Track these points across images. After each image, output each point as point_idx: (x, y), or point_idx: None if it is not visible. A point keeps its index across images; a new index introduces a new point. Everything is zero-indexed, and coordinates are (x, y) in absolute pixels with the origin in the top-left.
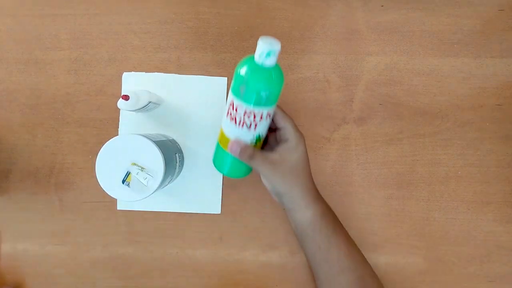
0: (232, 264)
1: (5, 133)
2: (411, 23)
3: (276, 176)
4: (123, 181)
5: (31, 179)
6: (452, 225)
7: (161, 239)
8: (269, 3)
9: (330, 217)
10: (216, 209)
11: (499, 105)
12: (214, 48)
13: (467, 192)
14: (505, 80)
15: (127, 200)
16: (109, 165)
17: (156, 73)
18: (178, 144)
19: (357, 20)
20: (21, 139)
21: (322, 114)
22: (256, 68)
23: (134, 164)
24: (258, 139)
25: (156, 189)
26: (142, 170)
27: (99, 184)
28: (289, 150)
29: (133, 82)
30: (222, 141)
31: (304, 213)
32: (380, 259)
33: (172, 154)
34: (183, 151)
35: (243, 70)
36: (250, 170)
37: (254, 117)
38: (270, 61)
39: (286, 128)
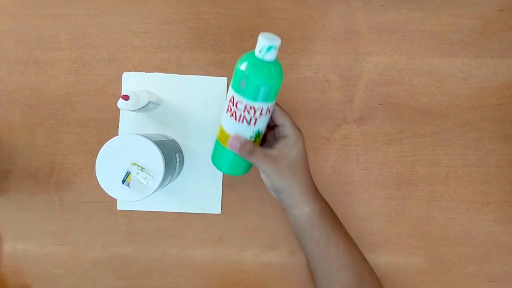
0: (232, 264)
1: (5, 133)
2: (411, 23)
3: (275, 172)
4: (123, 181)
5: (31, 179)
6: (452, 225)
7: (161, 239)
8: (269, 3)
9: (329, 214)
10: (216, 209)
11: (499, 105)
12: (214, 48)
13: (467, 192)
14: (505, 80)
15: (127, 200)
16: (109, 165)
17: (156, 73)
18: (178, 144)
19: (357, 20)
20: (21, 139)
21: (322, 114)
22: (256, 63)
23: (134, 164)
24: (257, 135)
25: (156, 189)
26: (142, 170)
27: (99, 184)
28: (288, 146)
29: (133, 82)
30: (222, 137)
31: (303, 210)
32: (380, 259)
33: (172, 154)
34: (183, 151)
35: (243, 65)
36: (249, 167)
37: (254, 112)
38: (271, 56)
39: (285, 125)
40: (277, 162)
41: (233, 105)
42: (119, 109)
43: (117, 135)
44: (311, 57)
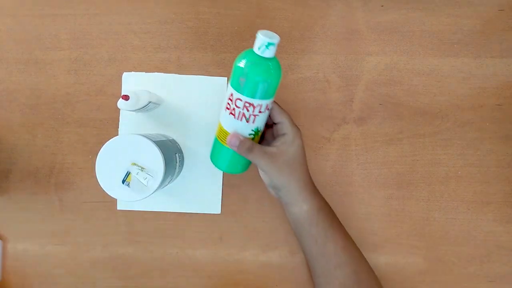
0: (232, 264)
1: (5, 133)
2: (411, 23)
3: (274, 170)
4: (123, 181)
5: (31, 179)
6: (452, 225)
7: (161, 239)
8: (269, 3)
9: (327, 212)
10: (216, 209)
11: (499, 105)
12: (214, 48)
13: (467, 192)
14: (505, 80)
15: (127, 200)
16: (109, 165)
17: (156, 73)
18: (178, 144)
19: (357, 20)
20: (21, 139)
21: (322, 114)
22: (255, 60)
23: (134, 164)
24: (256, 132)
25: (156, 189)
26: (142, 170)
27: (99, 184)
28: (286, 143)
29: (133, 82)
30: (220, 135)
31: (301, 207)
32: (380, 259)
33: (172, 154)
34: (183, 151)
35: (242, 63)
36: (247, 165)
37: (253, 109)
38: (270, 53)
39: (283, 123)
40: (275, 159)
41: (232, 103)
42: (119, 109)
43: (117, 135)
44: (311, 57)
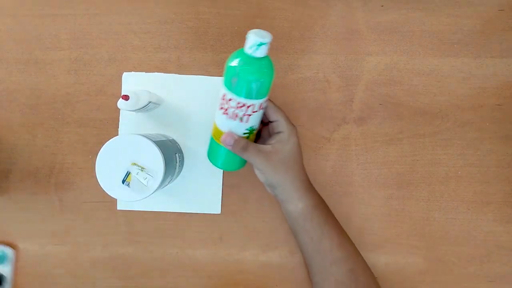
0: (232, 264)
1: (5, 133)
2: (411, 23)
3: (269, 168)
4: (123, 181)
5: (31, 179)
6: (452, 225)
7: (161, 239)
8: (269, 3)
9: (322, 209)
10: (216, 209)
11: (499, 105)
12: (214, 48)
13: (467, 192)
14: (505, 80)
15: (127, 200)
16: (109, 165)
17: (156, 73)
18: (178, 144)
19: (357, 20)
20: (21, 139)
21: (322, 114)
22: (247, 60)
23: (134, 164)
24: (250, 131)
25: (156, 189)
26: (142, 170)
27: (99, 184)
28: (281, 141)
29: (133, 82)
30: (216, 134)
31: (297, 204)
32: (380, 259)
33: (172, 154)
34: (183, 151)
35: (234, 63)
36: (244, 162)
37: (247, 109)
38: (261, 52)
39: (278, 121)
40: (270, 157)
41: (225, 103)
42: (119, 109)
43: (117, 135)
44: (311, 57)
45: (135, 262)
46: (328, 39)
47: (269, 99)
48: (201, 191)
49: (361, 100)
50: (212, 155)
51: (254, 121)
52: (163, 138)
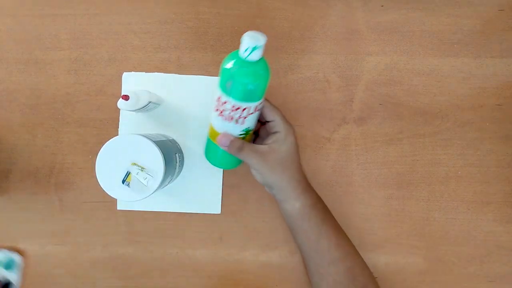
0: (232, 264)
1: (5, 133)
2: (411, 23)
3: (266, 168)
4: (123, 181)
5: (31, 179)
6: (452, 225)
7: (161, 239)
8: (269, 3)
9: (320, 209)
10: (216, 209)
11: (499, 105)
12: (214, 48)
13: (467, 192)
14: (505, 80)
15: (127, 200)
16: (109, 165)
17: (156, 73)
18: (178, 144)
19: (357, 20)
20: (21, 139)
21: (322, 114)
22: (241, 64)
23: (134, 164)
24: (247, 132)
25: (156, 189)
26: (142, 170)
27: (99, 184)
28: (278, 141)
29: (133, 82)
30: (212, 135)
31: (294, 204)
32: (380, 259)
33: (172, 154)
34: (183, 151)
35: (228, 66)
36: (240, 161)
37: (242, 112)
38: (255, 56)
39: (275, 121)
40: (266, 158)
41: (220, 105)
42: (119, 109)
43: (117, 135)
44: (311, 57)
45: (135, 262)
46: (328, 39)
47: (265, 99)
48: (201, 191)
49: (361, 100)
50: (208, 154)
51: (250, 123)
52: (163, 138)
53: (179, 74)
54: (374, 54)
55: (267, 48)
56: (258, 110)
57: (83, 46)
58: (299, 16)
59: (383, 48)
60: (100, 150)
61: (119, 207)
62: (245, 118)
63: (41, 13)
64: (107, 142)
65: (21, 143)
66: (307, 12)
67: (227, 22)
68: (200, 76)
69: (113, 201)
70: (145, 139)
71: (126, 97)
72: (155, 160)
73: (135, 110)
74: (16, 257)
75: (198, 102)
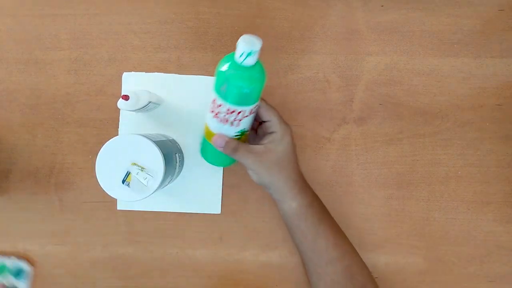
0: (232, 264)
1: (5, 133)
2: (411, 23)
3: (261, 168)
4: (123, 181)
5: (31, 179)
6: (452, 225)
7: (161, 239)
8: (269, 3)
9: (317, 208)
10: (216, 209)
11: (499, 105)
12: (214, 48)
13: (467, 192)
14: (505, 80)
15: (127, 200)
16: (109, 165)
17: (156, 73)
18: (178, 144)
19: (357, 20)
20: (21, 139)
21: (322, 114)
22: (237, 67)
23: (134, 164)
24: (242, 133)
25: (156, 189)
26: (142, 170)
27: (99, 184)
28: (274, 142)
29: (133, 82)
30: (207, 134)
31: (290, 204)
32: (380, 259)
33: (172, 154)
34: (183, 151)
35: (224, 69)
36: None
37: (237, 114)
38: (251, 61)
39: (271, 121)
40: (262, 158)
41: (215, 107)
42: (119, 109)
43: (117, 135)
44: (311, 57)
45: (135, 262)
46: (328, 39)
47: (262, 99)
48: (201, 191)
49: (361, 100)
50: (204, 152)
51: (245, 125)
52: (163, 138)
53: (179, 74)
54: (374, 54)
55: (267, 48)
56: (253, 112)
57: (83, 46)
58: (299, 16)
59: (383, 48)
60: (100, 150)
61: (119, 207)
62: (240, 120)
63: (41, 13)
64: (107, 142)
65: (21, 143)
66: (307, 12)
67: (227, 22)
68: (200, 76)
69: (113, 201)
70: (145, 139)
71: (126, 97)
72: (155, 160)
73: (135, 110)
74: (25, 266)
75: (198, 102)
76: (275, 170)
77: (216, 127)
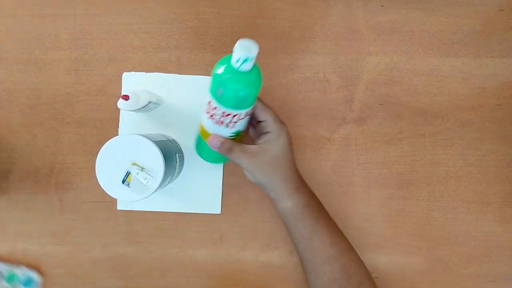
0: (232, 264)
1: (5, 133)
2: (411, 23)
3: (256, 168)
4: (123, 181)
5: (31, 179)
6: (452, 225)
7: (161, 239)
8: (269, 3)
9: (314, 207)
10: (216, 209)
11: (499, 105)
12: (214, 48)
13: (467, 192)
14: (505, 80)
15: (127, 200)
16: (109, 165)
17: (156, 73)
18: (178, 144)
19: (357, 20)
20: (21, 139)
21: (322, 114)
22: (233, 72)
23: (134, 164)
24: (237, 134)
25: (156, 189)
26: (142, 170)
27: (99, 184)
28: (269, 141)
29: (133, 82)
30: (203, 133)
31: (287, 204)
32: (380, 259)
33: (172, 154)
34: (183, 151)
35: (220, 72)
36: None
37: (233, 117)
38: (247, 67)
39: (267, 121)
40: (257, 158)
41: (211, 109)
42: (119, 109)
43: (117, 135)
44: (311, 57)
45: (135, 262)
46: (328, 39)
47: (258, 98)
48: (201, 191)
49: (361, 100)
50: (199, 150)
51: (240, 126)
52: (163, 138)
53: (179, 74)
54: (374, 54)
55: (267, 48)
56: (249, 114)
57: (83, 46)
58: (299, 16)
59: (383, 48)
60: (100, 150)
61: (119, 207)
62: (235, 123)
63: (41, 13)
64: (107, 142)
65: (21, 143)
66: (307, 12)
67: (227, 22)
68: (200, 76)
69: (113, 201)
70: (145, 139)
71: (126, 97)
72: (155, 160)
73: (135, 110)
74: (35, 276)
75: (198, 102)
76: (270, 170)
77: (211, 127)
